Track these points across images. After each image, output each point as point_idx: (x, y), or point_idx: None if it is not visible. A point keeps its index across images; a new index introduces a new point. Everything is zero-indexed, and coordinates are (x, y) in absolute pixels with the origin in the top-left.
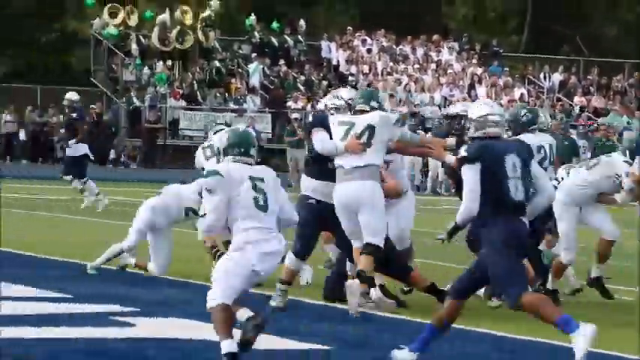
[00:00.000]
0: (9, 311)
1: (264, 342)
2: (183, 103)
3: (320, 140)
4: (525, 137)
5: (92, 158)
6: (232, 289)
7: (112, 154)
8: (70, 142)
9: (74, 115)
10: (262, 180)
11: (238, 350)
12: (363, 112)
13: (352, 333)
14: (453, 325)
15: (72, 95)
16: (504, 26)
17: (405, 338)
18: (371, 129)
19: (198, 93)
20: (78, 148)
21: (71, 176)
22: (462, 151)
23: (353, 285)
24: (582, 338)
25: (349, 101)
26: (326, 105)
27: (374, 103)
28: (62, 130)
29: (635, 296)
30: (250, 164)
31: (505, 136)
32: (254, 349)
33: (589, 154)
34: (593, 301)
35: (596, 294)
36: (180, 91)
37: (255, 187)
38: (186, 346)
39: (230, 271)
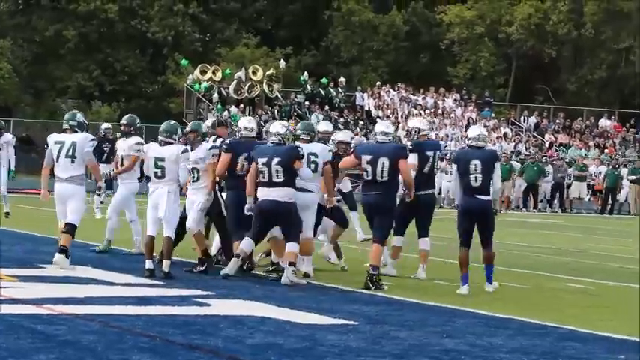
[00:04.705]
0: (118, 293)
1: (306, 317)
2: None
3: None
4: None
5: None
6: None
7: None
8: None
9: None
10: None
11: None
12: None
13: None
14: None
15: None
16: (494, 82)
17: (415, 315)
18: None
19: (262, 130)
20: None
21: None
22: None
23: None
24: None
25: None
26: None
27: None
28: None
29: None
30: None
31: None
32: (298, 322)
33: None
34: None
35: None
36: None
37: None
38: (249, 320)
39: None
